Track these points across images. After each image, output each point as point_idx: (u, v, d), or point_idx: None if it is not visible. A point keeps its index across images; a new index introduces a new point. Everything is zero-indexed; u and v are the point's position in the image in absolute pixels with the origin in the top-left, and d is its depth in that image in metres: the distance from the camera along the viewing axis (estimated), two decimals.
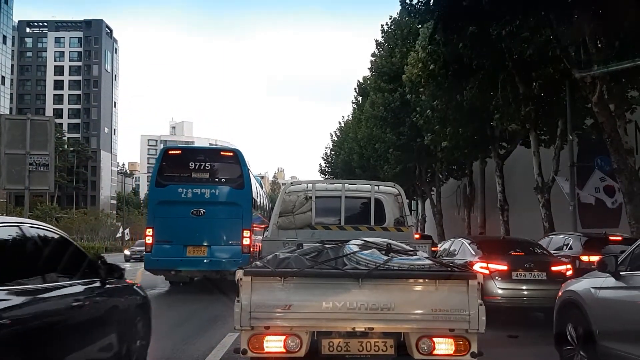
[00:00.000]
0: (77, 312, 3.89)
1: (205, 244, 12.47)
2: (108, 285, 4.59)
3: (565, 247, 11.37)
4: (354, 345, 4.20)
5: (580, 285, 5.54)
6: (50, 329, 3.50)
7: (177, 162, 13.29)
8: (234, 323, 4.14)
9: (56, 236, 4.17)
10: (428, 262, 4.72)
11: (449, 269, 4.75)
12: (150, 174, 17.54)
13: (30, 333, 3.21)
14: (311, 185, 8.03)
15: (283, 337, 4.13)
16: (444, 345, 4.14)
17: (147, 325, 5.33)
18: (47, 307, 3.53)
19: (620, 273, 4.86)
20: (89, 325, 4.12)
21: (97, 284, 4.45)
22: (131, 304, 5.11)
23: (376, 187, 8.16)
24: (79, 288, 4.13)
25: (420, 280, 4.27)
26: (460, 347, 4.12)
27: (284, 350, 4.14)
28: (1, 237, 3.45)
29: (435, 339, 4.13)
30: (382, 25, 26.02)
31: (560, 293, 5.92)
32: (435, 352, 4.13)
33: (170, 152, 13.99)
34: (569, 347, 5.41)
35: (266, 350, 4.14)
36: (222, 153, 14.43)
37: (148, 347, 5.32)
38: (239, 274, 4.18)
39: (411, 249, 5.24)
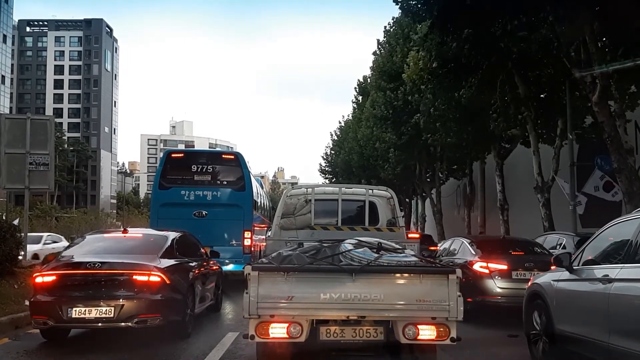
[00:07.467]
0: (206, 268, 8.83)
1: (207, 245, 12.61)
2: (210, 260, 9.41)
3: (558, 246, 11.40)
4: (349, 332, 4.76)
5: (544, 278, 6.23)
6: (202, 273, 8.42)
7: (179, 165, 13.61)
8: (242, 312, 4.65)
9: (195, 240, 9.07)
10: (414, 259, 5.38)
11: (432, 265, 5.45)
12: (150, 174, 17.57)
13: (199, 272, 8.20)
14: (310, 189, 8.54)
15: (286, 325, 4.66)
16: (427, 332, 4.69)
17: (222, 282, 9.90)
18: (198, 264, 8.39)
19: (574, 267, 5.53)
20: (209, 274, 8.93)
21: (206, 259, 9.11)
22: (218, 270, 9.75)
23: (370, 191, 8.62)
24: (202, 259, 8.83)
25: (407, 275, 4.80)
26: (442, 333, 4.67)
27: (287, 336, 4.67)
28: (184, 240, 8.29)
29: (419, 326, 4.68)
30: (384, 27, 26.12)
31: (529, 284, 6.60)
32: (420, 337, 4.69)
33: (173, 155, 14.21)
34: (534, 332, 6.08)
35: (271, 336, 4.68)
36: (223, 156, 14.78)
37: (222, 293, 9.92)
38: (248, 269, 4.70)
39: (400, 247, 5.84)
